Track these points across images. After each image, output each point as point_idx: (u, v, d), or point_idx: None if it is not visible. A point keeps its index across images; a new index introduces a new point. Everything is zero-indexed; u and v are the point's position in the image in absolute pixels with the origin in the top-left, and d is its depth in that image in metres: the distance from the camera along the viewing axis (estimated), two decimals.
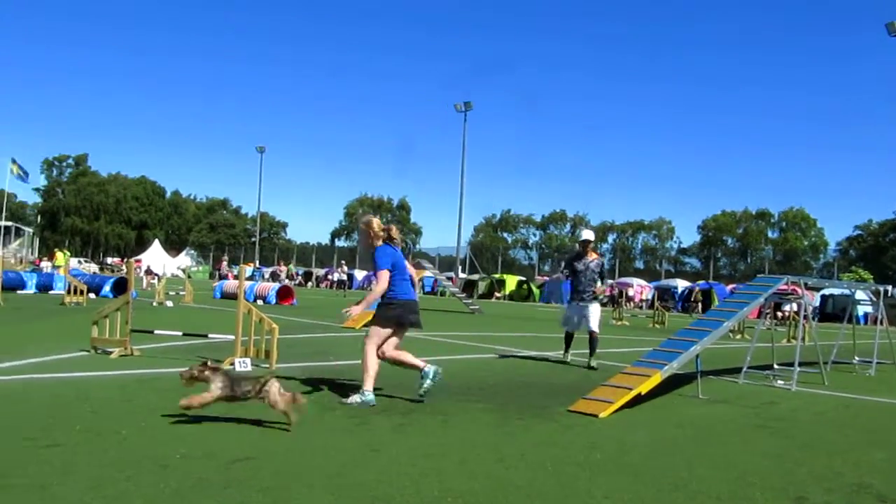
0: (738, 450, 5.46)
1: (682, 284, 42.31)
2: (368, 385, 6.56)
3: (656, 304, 25.31)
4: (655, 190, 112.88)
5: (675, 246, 79.75)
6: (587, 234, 10.78)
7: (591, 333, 10.36)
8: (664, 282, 45.62)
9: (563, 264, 10.84)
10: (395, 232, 7.01)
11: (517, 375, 8.99)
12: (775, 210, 74.57)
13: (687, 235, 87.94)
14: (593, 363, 10.02)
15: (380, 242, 6.88)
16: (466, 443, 5.18)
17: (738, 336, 18.09)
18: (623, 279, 46.74)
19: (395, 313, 6.84)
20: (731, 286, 38.73)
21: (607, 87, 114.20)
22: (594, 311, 10.44)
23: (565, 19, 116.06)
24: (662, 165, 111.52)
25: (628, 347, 13.78)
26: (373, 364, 6.69)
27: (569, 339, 10.75)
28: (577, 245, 10.91)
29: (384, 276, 6.74)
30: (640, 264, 74.77)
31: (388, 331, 6.85)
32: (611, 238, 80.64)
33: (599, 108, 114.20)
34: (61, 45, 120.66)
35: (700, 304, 35.30)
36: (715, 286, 38.66)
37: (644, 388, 7.00)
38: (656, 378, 7.19)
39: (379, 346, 6.83)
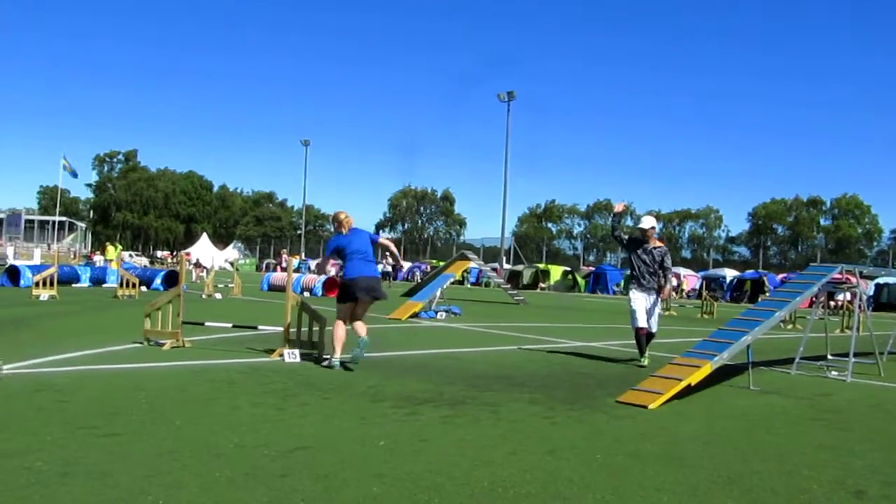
0: (793, 442, 5.36)
1: (730, 274, 41.62)
2: (337, 353, 7.83)
3: (704, 293, 24.91)
4: (703, 178, 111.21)
5: (724, 235, 78.52)
6: (649, 221, 9.90)
7: (650, 335, 9.56)
8: (712, 271, 44.92)
9: (625, 238, 9.95)
10: (341, 218, 8.25)
11: (565, 366, 8.95)
12: (827, 197, 72.91)
13: (735, 224, 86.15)
14: (644, 361, 9.31)
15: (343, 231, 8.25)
16: (516, 434, 5.17)
17: (790, 326, 17.76)
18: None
19: (345, 290, 8.13)
20: (781, 275, 38.00)
21: (652, 75, 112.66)
22: (656, 309, 9.60)
23: (606, 10, 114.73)
24: (710, 153, 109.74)
25: (677, 338, 13.60)
26: (339, 335, 7.96)
27: (641, 338, 9.49)
28: (637, 232, 10.10)
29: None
30: (687, 254, 73.72)
31: (347, 305, 8.12)
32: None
33: (645, 97, 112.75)
34: (109, 43, 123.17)
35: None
36: (766, 275, 37.94)
37: (694, 379, 6.91)
38: (707, 369, 7.10)
39: (344, 319, 8.10)
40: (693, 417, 6.08)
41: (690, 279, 42.60)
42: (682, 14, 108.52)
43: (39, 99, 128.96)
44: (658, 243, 9.77)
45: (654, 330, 9.54)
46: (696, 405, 6.62)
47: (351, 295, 8.05)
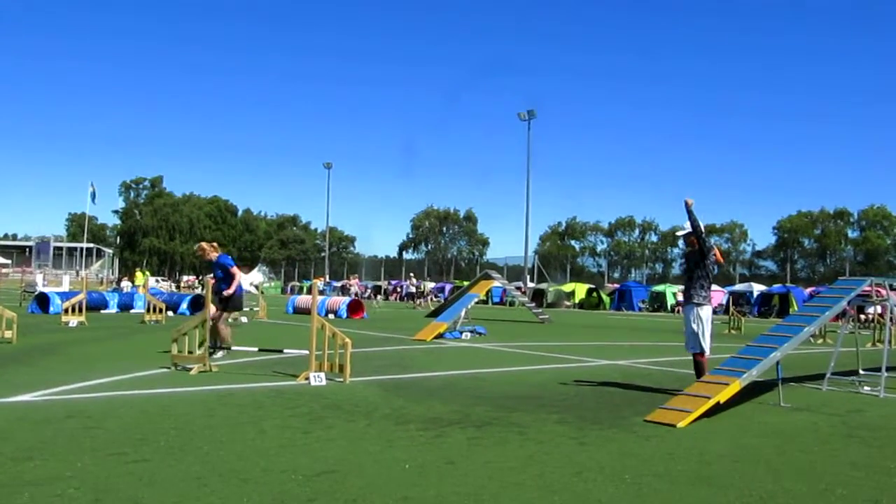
0: (825, 460, 5.28)
1: (757, 288, 41.14)
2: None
3: (731, 309, 24.63)
4: (726, 192, 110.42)
5: (749, 249, 77.70)
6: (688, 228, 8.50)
7: (697, 356, 8.09)
8: (739, 286, 44.42)
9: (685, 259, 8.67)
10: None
11: (592, 385, 8.88)
12: (854, 208, 71.98)
13: (761, 238, 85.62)
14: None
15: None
16: (544, 455, 5.14)
17: (820, 341, 17.49)
18: None
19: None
20: (810, 289, 37.53)
21: (674, 91, 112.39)
22: (705, 321, 8.04)
23: (627, 28, 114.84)
24: (733, 167, 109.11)
25: None
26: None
27: (699, 367, 8.05)
28: (680, 242, 9.06)
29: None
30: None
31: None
32: (681, 243, 79.02)
33: (666, 112, 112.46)
34: (134, 71, 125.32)
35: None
36: (793, 289, 37.48)
37: (723, 396, 6.83)
38: (735, 386, 7.01)
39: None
40: (722, 436, 6.00)
41: (717, 294, 42.19)
42: (702, 30, 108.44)
43: (67, 128, 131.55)
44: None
45: (703, 348, 8.10)
46: (725, 423, 6.54)
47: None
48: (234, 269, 10.62)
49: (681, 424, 6.24)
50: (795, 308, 33.15)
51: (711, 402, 6.65)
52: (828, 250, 72.61)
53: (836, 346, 9.76)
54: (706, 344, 8.01)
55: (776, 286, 41.59)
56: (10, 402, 6.69)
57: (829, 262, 71.92)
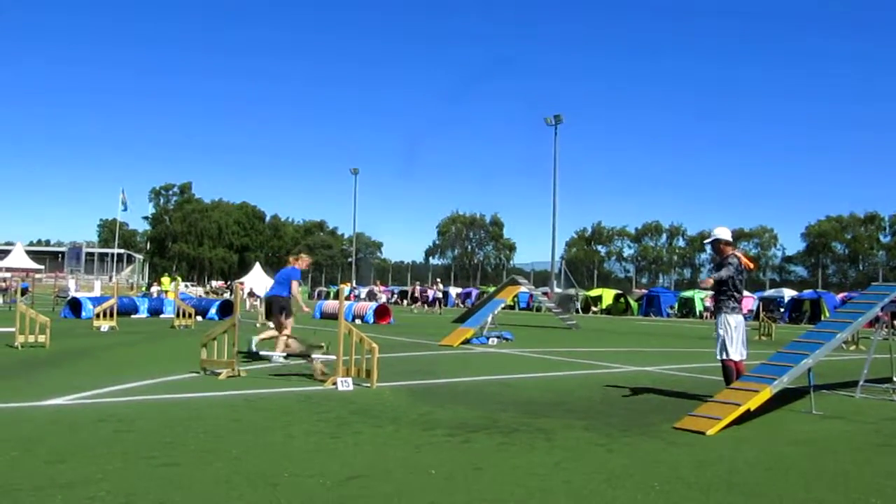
0: (858, 469, 5.18)
1: (788, 294, 40.61)
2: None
3: (762, 314, 24.31)
4: (754, 197, 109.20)
5: (779, 254, 76.76)
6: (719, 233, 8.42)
7: (725, 363, 7.92)
8: (769, 292, 43.89)
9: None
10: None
11: (619, 392, 8.82)
12: (885, 213, 70.83)
13: (791, 243, 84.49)
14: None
15: None
16: (571, 461, 5.11)
17: (853, 347, 17.21)
18: None
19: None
20: (842, 294, 36.97)
21: (700, 96, 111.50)
22: (733, 328, 7.90)
23: (651, 31, 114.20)
24: (761, 172, 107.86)
25: None
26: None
27: (727, 373, 7.90)
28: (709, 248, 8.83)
29: None
30: None
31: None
32: (708, 248, 78.21)
33: (692, 117, 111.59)
34: (163, 78, 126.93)
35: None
36: (824, 295, 36.95)
37: (753, 403, 6.74)
38: (766, 393, 6.92)
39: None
40: (753, 443, 5.93)
41: (746, 300, 41.71)
42: (732, 35, 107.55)
43: (99, 135, 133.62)
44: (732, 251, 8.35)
45: (729, 356, 7.92)
46: (755, 431, 6.46)
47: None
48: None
49: (710, 432, 6.17)
50: (827, 314, 32.68)
51: (741, 410, 6.57)
52: (860, 255, 71.51)
53: (869, 352, 9.59)
54: (734, 350, 7.85)
55: (807, 291, 41.08)
56: (43, 405, 6.80)
57: (861, 267, 70.80)
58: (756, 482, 4.70)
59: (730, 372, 7.83)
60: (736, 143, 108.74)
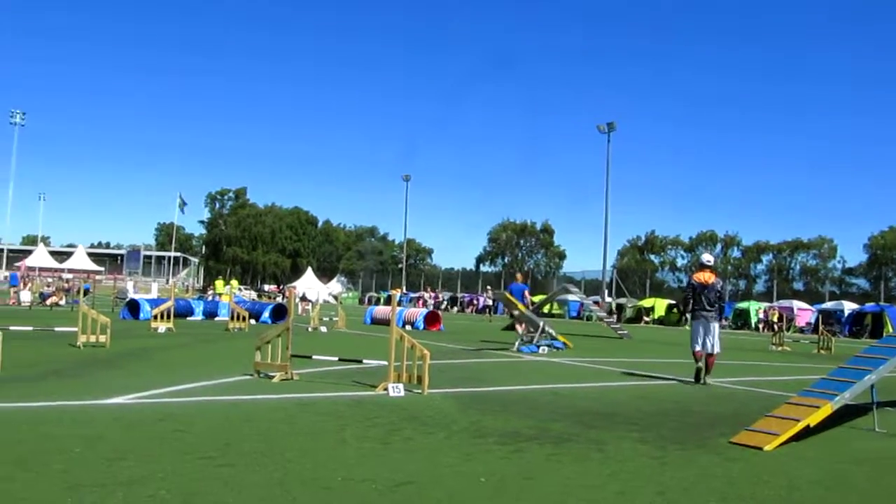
0: None
1: (848, 307, 39.42)
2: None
3: (821, 328, 23.68)
4: (813, 207, 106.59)
5: (839, 266, 74.61)
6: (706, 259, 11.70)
7: (711, 357, 10.94)
8: (829, 304, 42.67)
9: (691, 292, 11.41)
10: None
11: (673, 403, 8.68)
12: None
13: (852, 254, 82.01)
14: (709, 380, 10.86)
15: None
16: (624, 474, 5.04)
17: None
18: (782, 302, 44.12)
19: None
20: None
21: (758, 107, 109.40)
22: (716, 331, 11.04)
23: (712, 44, 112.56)
24: (820, 182, 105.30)
25: (791, 375, 13.00)
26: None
27: (698, 360, 10.98)
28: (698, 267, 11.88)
29: None
30: (799, 286, 70.37)
31: None
32: (765, 259, 76.55)
33: (747, 126, 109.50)
34: (218, 85, 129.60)
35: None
36: (887, 308, 35.78)
37: (813, 419, 6.57)
38: (826, 409, 6.73)
39: None
40: (812, 461, 5.78)
41: (804, 313, 40.68)
42: (788, 50, 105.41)
43: (157, 141, 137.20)
44: (714, 276, 11.27)
45: (717, 350, 11.02)
46: (815, 448, 6.29)
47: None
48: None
49: (768, 448, 6.03)
50: (890, 328, 31.67)
51: (801, 426, 6.40)
52: None
53: None
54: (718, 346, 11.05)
55: (869, 305, 39.79)
56: (105, 403, 6.98)
57: None
58: (816, 500, 4.58)
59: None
60: (794, 151, 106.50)
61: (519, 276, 20.90)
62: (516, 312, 17.92)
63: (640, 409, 8.08)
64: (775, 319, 36.15)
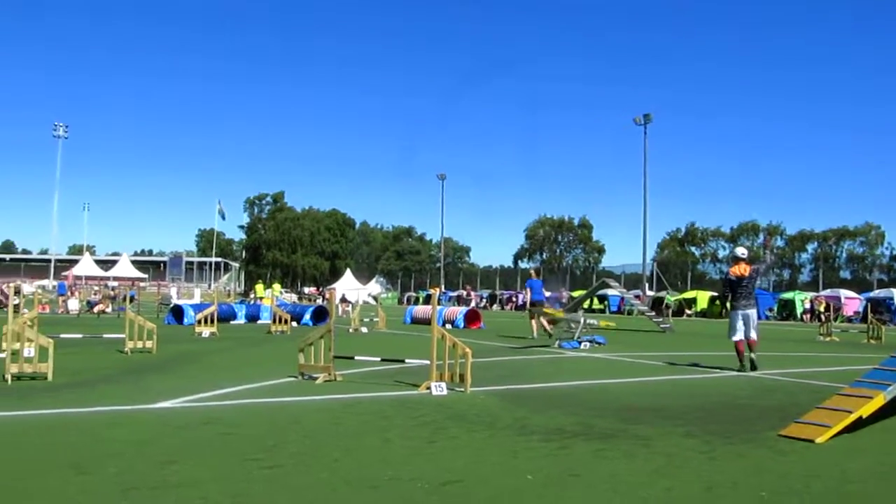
0: None
1: None
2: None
3: (870, 317, 23.15)
4: (860, 193, 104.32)
5: (888, 253, 72.84)
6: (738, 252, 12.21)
7: (752, 341, 11.28)
8: (878, 292, 41.65)
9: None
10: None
11: (720, 397, 8.56)
12: None
13: None
14: (754, 355, 11.17)
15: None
16: (671, 469, 4.99)
17: None
18: (829, 291, 43.23)
19: None
20: None
21: (800, 93, 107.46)
22: (755, 321, 11.42)
23: (747, 30, 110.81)
24: (867, 166, 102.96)
25: (840, 366, 12.73)
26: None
27: (740, 350, 11.35)
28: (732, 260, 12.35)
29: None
30: (846, 274, 68.89)
31: None
32: (810, 247, 75.08)
33: (789, 113, 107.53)
34: (252, 92, 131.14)
35: None
36: None
37: (865, 411, 6.42)
38: (879, 400, 6.57)
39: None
40: (866, 452, 5.65)
41: (852, 302, 39.80)
42: (831, 40, 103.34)
43: (196, 148, 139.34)
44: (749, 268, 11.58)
45: (755, 337, 11.37)
46: (868, 439, 6.15)
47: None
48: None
49: (820, 440, 5.92)
50: None
51: (853, 417, 6.27)
52: None
53: None
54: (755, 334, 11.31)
55: None
56: (154, 408, 7.12)
57: None
58: (870, 493, 4.49)
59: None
60: (838, 138, 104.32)
61: (532, 272, 22.18)
62: (542, 312, 18.41)
63: (685, 403, 7.99)
64: (822, 309, 35.43)
